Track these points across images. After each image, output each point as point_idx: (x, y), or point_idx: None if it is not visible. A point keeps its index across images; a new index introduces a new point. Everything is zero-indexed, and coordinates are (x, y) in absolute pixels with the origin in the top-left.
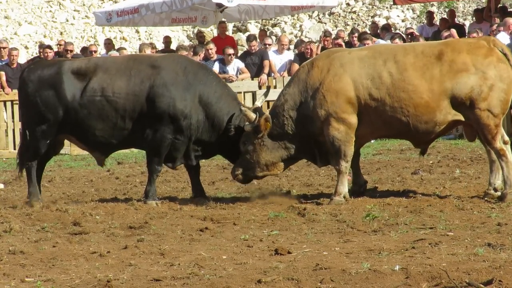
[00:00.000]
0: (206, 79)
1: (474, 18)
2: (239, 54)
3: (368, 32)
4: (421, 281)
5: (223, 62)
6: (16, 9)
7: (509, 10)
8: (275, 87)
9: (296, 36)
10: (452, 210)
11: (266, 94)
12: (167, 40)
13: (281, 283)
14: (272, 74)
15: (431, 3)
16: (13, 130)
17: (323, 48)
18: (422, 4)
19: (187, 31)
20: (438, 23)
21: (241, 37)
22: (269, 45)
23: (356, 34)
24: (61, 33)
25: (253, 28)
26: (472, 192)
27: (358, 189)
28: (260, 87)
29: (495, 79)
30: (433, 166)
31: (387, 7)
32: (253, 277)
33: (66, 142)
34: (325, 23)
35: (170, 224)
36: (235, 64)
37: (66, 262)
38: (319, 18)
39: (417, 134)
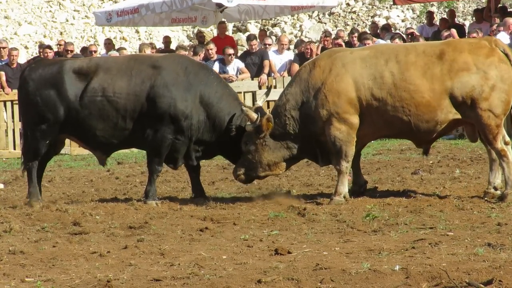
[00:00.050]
0: (207, 79)
1: (474, 18)
2: (239, 54)
3: (368, 32)
4: (421, 281)
5: (223, 62)
6: (16, 9)
7: (509, 10)
8: (275, 87)
9: (296, 36)
10: (452, 210)
11: (267, 94)
12: (166, 40)
13: (281, 283)
14: (272, 74)
15: (431, 3)
16: (13, 130)
17: (323, 48)
18: (422, 4)
19: (187, 31)
20: (438, 23)
21: (241, 37)
22: (269, 45)
23: (356, 34)
24: (61, 33)
25: (253, 28)
26: (472, 192)
27: (358, 189)
28: (260, 87)
29: (496, 80)
30: (433, 166)
31: (387, 7)
32: (253, 277)
33: (66, 142)
34: (325, 23)
35: (170, 224)
36: (235, 64)
37: (66, 262)
38: (319, 18)
39: (418, 134)
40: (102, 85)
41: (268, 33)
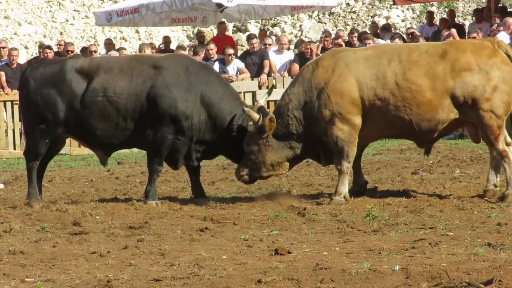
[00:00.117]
0: (207, 79)
1: (474, 18)
2: (238, 54)
3: (368, 32)
4: (421, 281)
5: (223, 62)
6: (16, 9)
7: (509, 10)
8: (274, 87)
9: (296, 36)
10: (452, 210)
11: (269, 93)
12: (166, 40)
13: (281, 283)
14: (272, 74)
15: (431, 3)
16: (13, 130)
17: (323, 48)
18: (422, 4)
19: (187, 31)
20: (438, 23)
21: (241, 37)
22: (269, 45)
23: (356, 34)
24: (61, 33)
25: (253, 28)
26: (472, 192)
27: (359, 189)
28: (260, 87)
29: (498, 80)
30: (433, 166)
31: (387, 7)
32: (253, 277)
33: (66, 142)
34: (325, 23)
35: (170, 224)
36: (235, 64)
37: (66, 262)
38: (319, 18)
39: (420, 133)
40: (103, 85)
41: (268, 33)
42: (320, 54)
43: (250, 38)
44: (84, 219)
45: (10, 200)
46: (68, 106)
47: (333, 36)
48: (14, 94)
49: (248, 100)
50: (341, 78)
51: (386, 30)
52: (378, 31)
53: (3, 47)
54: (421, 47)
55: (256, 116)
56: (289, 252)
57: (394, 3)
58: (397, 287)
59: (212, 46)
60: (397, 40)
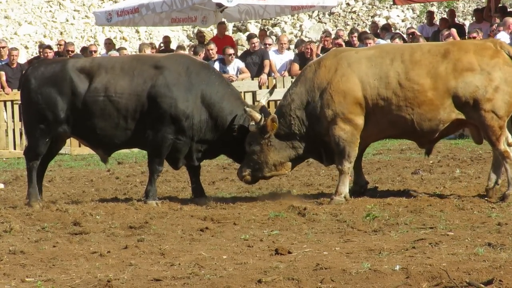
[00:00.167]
0: (208, 79)
1: (474, 18)
2: (238, 54)
3: (369, 32)
4: (422, 281)
5: (223, 62)
6: (16, 9)
7: (509, 10)
8: (275, 86)
9: (296, 36)
10: (452, 210)
11: (271, 93)
12: (166, 40)
13: (281, 283)
14: (273, 74)
15: (431, 3)
16: (13, 130)
17: (323, 48)
18: (422, 4)
19: (187, 31)
20: (438, 23)
21: (241, 37)
22: (269, 44)
23: (356, 34)
24: (61, 33)
25: (253, 28)
26: (472, 191)
27: (359, 189)
28: (260, 87)
29: (500, 81)
30: (433, 166)
31: (387, 7)
32: (254, 277)
33: (66, 141)
34: (325, 23)
35: (171, 224)
36: (235, 64)
37: (67, 262)
38: (319, 18)
39: (421, 133)
40: (104, 85)
41: (268, 33)
42: (320, 54)
43: (250, 37)
44: (85, 219)
45: (10, 200)
46: (69, 105)
47: (333, 36)
48: (14, 94)
49: (248, 100)
50: (344, 78)
51: (386, 30)
52: (378, 31)
53: (3, 47)
54: (424, 46)
55: (258, 116)
56: (289, 252)
57: (394, 3)
58: (397, 287)
59: (212, 46)
60: (397, 40)
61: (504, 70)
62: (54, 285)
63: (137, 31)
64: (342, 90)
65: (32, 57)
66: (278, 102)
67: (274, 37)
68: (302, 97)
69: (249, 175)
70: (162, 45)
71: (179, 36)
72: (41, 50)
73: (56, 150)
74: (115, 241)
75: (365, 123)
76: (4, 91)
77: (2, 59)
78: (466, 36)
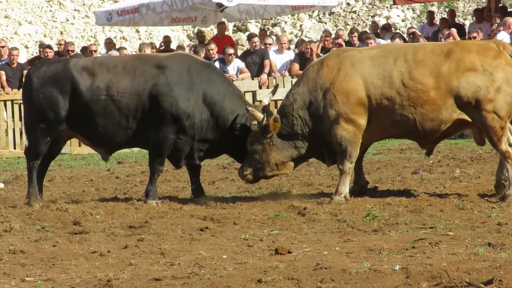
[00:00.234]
0: (210, 78)
1: (474, 18)
2: (238, 54)
3: (369, 32)
4: (421, 281)
5: (223, 62)
6: (16, 8)
7: (509, 10)
8: (276, 86)
9: (296, 36)
10: (452, 209)
11: (273, 92)
12: (166, 40)
13: (281, 282)
14: (273, 74)
15: (431, 3)
16: (13, 129)
17: (323, 48)
18: (422, 4)
19: (187, 30)
20: (438, 23)
21: (241, 37)
22: (270, 44)
23: (356, 34)
24: (61, 33)
25: (254, 27)
26: (472, 191)
27: (359, 189)
28: (260, 87)
29: (502, 82)
30: (433, 166)
31: (387, 7)
32: (253, 276)
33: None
34: (325, 23)
35: (171, 223)
36: (236, 64)
37: (66, 261)
38: (319, 18)
39: (423, 133)
40: (106, 84)
41: (268, 32)
42: (321, 54)
43: (251, 37)
44: (84, 218)
45: (10, 199)
46: (71, 104)
47: (333, 36)
48: (15, 94)
49: (248, 100)
50: (347, 78)
51: (386, 30)
52: (378, 31)
53: (3, 47)
54: (427, 46)
55: (260, 115)
56: (289, 252)
57: (395, 3)
58: (397, 286)
59: (213, 46)
60: (397, 40)
61: (506, 71)
62: (54, 285)
63: (137, 31)
64: (345, 90)
65: (32, 56)
66: (279, 102)
67: (274, 37)
68: (305, 97)
69: (251, 174)
70: (162, 44)
71: (179, 36)
72: (41, 49)
73: (57, 151)
74: (115, 240)
75: (368, 122)
76: (4, 90)
77: (2, 59)
78: (466, 36)
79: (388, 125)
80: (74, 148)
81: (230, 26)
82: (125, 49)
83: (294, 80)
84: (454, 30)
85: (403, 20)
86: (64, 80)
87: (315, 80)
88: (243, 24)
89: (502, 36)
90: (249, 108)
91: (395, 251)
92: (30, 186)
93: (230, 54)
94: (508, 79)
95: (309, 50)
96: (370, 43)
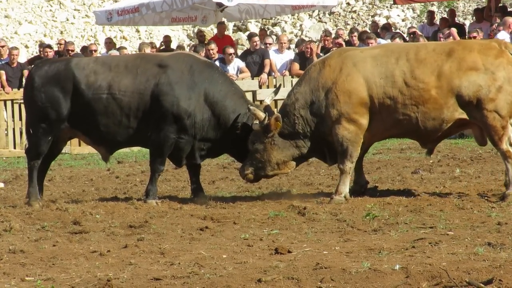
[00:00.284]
0: (211, 77)
1: (474, 17)
2: (238, 54)
3: (369, 31)
4: (421, 281)
5: (224, 62)
6: (16, 8)
7: (509, 9)
8: (275, 86)
9: (296, 36)
10: (452, 209)
11: (276, 92)
12: (166, 40)
13: (281, 282)
14: (273, 74)
15: (431, 2)
16: (13, 129)
17: (323, 48)
18: (422, 4)
19: (187, 30)
20: (438, 22)
21: (242, 37)
22: (270, 44)
23: (356, 34)
24: (61, 32)
25: (254, 27)
26: (472, 191)
27: (359, 189)
28: (260, 86)
29: (504, 81)
30: (433, 166)
31: (387, 7)
32: (253, 276)
33: None
34: (325, 23)
35: (170, 223)
36: (236, 64)
37: (66, 261)
38: (319, 18)
39: (425, 132)
40: (108, 83)
41: (268, 32)
42: (321, 54)
43: (251, 36)
44: (84, 218)
45: (10, 199)
46: (73, 103)
47: (333, 35)
48: (15, 93)
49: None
50: (349, 77)
51: (387, 30)
52: (378, 31)
53: (3, 46)
54: (429, 45)
55: (262, 115)
56: (289, 251)
57: (395, 3)
58: (397, 286)
59: (213, 46)
60: (397, 39)
61: (508, 70)
62: (54, 284)
63: (137, 31)
64: (348, 90)
65: (32, 56)
66: (279, 101)
67: (274, 37)
68: (306, 96)
69: (252, 173)
70: (162, 44)
71: (179, 35)
72: (41, 49)
73: (57, 151)
74: (115, 240)
75: (370, 122)
76: (4, 90)
77: (2, 58)
78: (466, 36)
79: (390, 124)
80: (74, 147)
81: (230, 25)
82: (125, 48)
83: (294, 79)
84: (454, 30)
85: (403, 20)
86: (66, 79)
87: (317, 80)
88: (243, 23)
89: (502, 35)
90: (251, 107)
91: (395, 251)
92: (30, 186)
93: (230, 54)
94: (510, 78)
95: (309, 50)
96: (371, 43)
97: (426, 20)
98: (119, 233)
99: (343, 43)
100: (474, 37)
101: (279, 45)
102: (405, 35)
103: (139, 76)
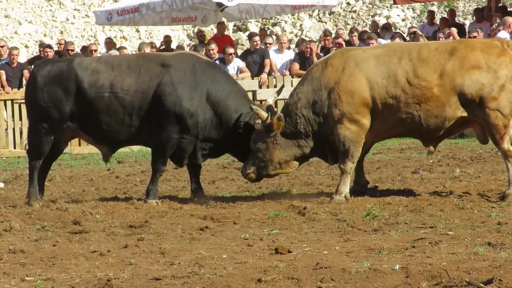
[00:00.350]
0: (214, 77)
1: (474, 17)
2: (238, 54)
3: (369, 31)
4: (421, 280)
5: (224, 62)
6: (16, 8)
7: (509, 9)
8: (275, 86)
9: (296, 36)
10: (452, 209)
11: (279, 92)
12: (166, 40)
13: (281, 282)
14: (273, 73)
15: (432, 2)
16: (13, 129)
17: (323, 47)
18: (422, 4)
19: (187, 30)
20: (438, 22)
21: (242, 36)
22: (270, 44)
23: (356, 33)
24: (61, 32)
25: (254, 27)
26: (472, 191)
27: (359, 188)
28: (260, 86)
29: (506, 80)
30: (433, 165)
31: (387, 7)
32: (253, 276)
33: None
34: (325, 23)
35: (170, 223)
36: (236, 63)
37: (66, 261)
38: (319, 18)
39: (427, 130)
40: (110, 82)
41: (268, 32)
42: (321, 54)
43: (252, 36)
44: (84, 218)
45: (10, 199)
46: (75, 102)
47: (333, 35)
48: (14, 93)
49: None
50: (352, 77)
51: (387, 30)
52: (378, 31)
53: (2, 46)
54: (431, 45)
55: (264, 114)
56: (289, 251)
57: (395, 3)
58: (397, 286)
59: (213, 46)
60: (397, 39)
61: (510, 69)
62: (54, 284)
63: (138, 31)
64: (350, 90)
65: (32, 56)
66: (279, 101)
67: (274, 37)
68: (309, 96)
69: (254, 173)
70: (163, 44)
71: (179, 35)
72: (41, 49)
73: (58, 152)
74: (115, 240)
75: (372, 122)
76: (4, 90)
77: (2, 58)
78: (466, 36)
79: (393, 123)
80: (74, 147)
81: (230, 25)
82: (125, 48)
83: (294, 79)
84: (454, 30)
85: (403, 20)
86: (68, 79)
87: (319, 79)
88: (243, 23)
89: (502, 35)
90: (253, 107)
91: (395, 251)
92: (30, 186)
93: (230, 54)
94: None
95: (309, 50)
96: (372, 43)
97: (426, 20)
98: (119, 233)
99: (343, 43)
100: (474, 37)
101: (279, 45)
102: (405, 35)
103: (142, 75)
